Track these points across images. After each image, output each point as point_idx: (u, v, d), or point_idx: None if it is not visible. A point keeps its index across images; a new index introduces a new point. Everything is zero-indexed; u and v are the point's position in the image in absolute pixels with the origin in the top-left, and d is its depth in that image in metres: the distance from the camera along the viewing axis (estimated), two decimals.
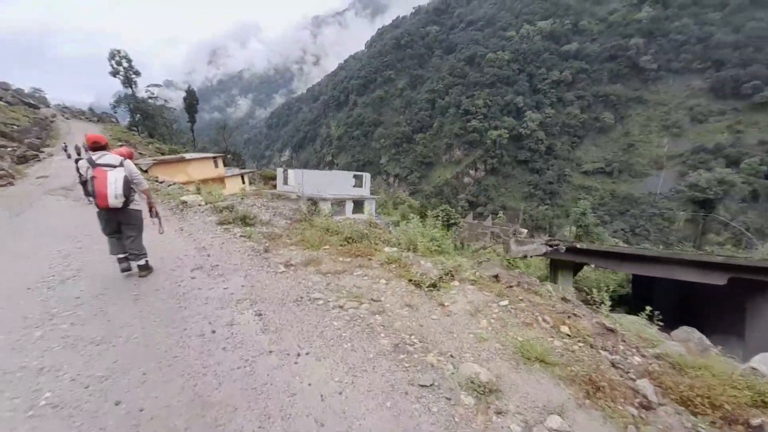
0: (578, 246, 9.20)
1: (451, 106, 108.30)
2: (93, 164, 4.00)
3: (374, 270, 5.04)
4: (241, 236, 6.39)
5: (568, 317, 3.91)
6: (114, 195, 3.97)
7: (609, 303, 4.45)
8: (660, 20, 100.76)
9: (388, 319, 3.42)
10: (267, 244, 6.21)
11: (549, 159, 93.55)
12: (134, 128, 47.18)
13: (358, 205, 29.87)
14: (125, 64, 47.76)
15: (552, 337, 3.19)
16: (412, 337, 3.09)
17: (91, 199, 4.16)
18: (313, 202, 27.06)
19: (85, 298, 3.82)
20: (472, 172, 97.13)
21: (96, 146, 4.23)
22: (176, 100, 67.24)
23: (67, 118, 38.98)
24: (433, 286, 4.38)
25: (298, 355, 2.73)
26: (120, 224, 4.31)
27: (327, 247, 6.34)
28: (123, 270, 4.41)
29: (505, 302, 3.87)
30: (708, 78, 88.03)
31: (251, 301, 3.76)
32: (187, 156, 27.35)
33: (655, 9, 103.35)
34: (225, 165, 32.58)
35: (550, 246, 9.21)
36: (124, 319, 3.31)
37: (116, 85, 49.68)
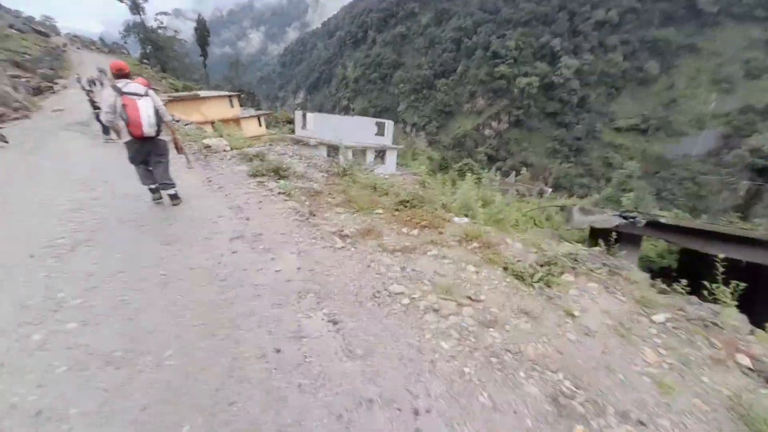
0: (662, 221, 7.91)
1: (478, 47, 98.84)
2: (120, 92, 3.85)
3: (452, 249, 4.03)
4: (279, 193, 5.40)
5: (712, 332, 2.88)
6: (148, 123, 3.96)
7: (734, 303, 3.35)
8: None
9: (510, 338, 2.45)
10: (310, 205, 5.23)
11: (580, 112, 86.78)
12: (146, 60, 44.50)
13: (380, 154, 28.32)
14: None
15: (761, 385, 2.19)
16: (560, 375, 2.12)
17: (109, 138, 4.74)
18: (333, 148, 25.67)
19: (101, 276, 2.95)
20: (494, 123, 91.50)
21: (120, 74, 4.05)
22: (186, 31, 62.67)
23: (78, 48, 36.68)
24: (540, 280, 3.36)
25: (416, 413, 1.80)
26: (149, 154, 4.28)
27: (380, 211, 5.33)
28: (155, 200, 4.58)
29: (662, 316, 2.83)
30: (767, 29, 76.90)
31: (316, 294, 2.82)
32: (202, 94, 25.66)
33: None
34: (240, 105, 30.71)
35: (624, 218, 7.96)
36: (153, 317, 2.42)
37: (125, 13, 46.04)
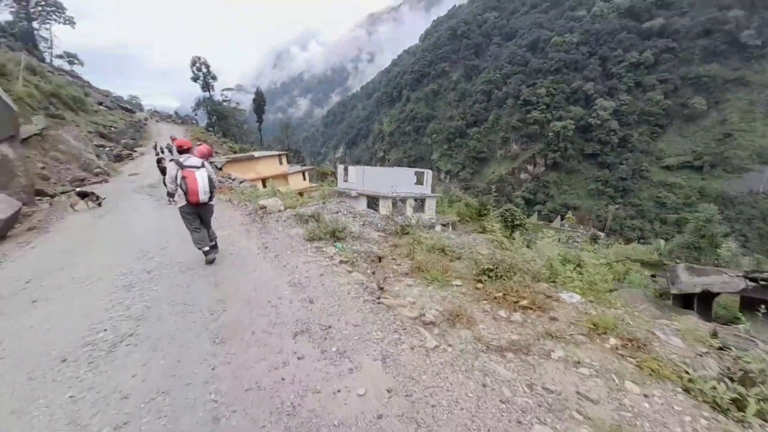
0: None
1: (509, 96, 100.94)
2: (181, 166, 4.51)
3: (584, 349, 2.99)
4: (341, 262, 4.69)
5: None
6: (203, 191, 4.55)
7: None
8: None
9: None
10: (374, 273, 4.49)
11: (623, 152, 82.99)
12: (210, 129, 50.01)
13: (420, 203, 27.85)
14: (204, 70, 51.23)
15: None
16: None
17: (172, 200, 5.07)
18: (373, 199, 25.57)
19: (136, 400, 2.27)
20: (530, 167, 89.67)
21: (181, 150, 4.81)
22: (245, 102, 70.82)
23: (157, 121, 41.90)
24: (755, 411, 2.18)
25: None
26: (200, 216, 4.86)
27: (458, 282, 4.46)
28: (208, 262, 4.90)
29: None
30: None
31: None
32: (256, 154, 27.70)
33: None
34: (288, 162, 32.40)
35: (754, 280, 6.32)
36: None
37: (196, 90, 53.00)
